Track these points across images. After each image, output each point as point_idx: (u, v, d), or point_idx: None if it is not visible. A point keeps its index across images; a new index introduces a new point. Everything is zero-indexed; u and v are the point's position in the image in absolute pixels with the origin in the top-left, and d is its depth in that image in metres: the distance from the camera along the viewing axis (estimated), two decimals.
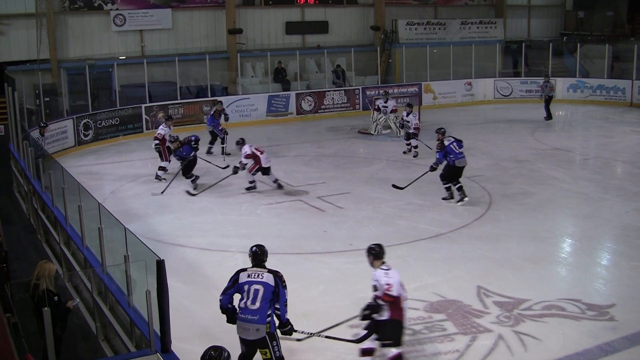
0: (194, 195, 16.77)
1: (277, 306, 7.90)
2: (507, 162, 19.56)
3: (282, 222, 14.88)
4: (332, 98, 28.91)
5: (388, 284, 8.31)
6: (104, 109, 24.46)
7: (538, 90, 28.35)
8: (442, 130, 16.11)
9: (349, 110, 29.01)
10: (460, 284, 11.23)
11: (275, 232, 14.08)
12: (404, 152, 21.17)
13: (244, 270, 8.04)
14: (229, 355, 6.30)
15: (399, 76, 31.41)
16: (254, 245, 8.38)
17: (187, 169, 17.35)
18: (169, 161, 18.42)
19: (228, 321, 8.02)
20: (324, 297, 10.85)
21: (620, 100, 29.49)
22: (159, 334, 7.70)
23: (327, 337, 8.91)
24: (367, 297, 10.75)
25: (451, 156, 15.33)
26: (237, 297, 7.93)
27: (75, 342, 9.63)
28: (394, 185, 16.82)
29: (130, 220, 13.56)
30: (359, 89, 29.49)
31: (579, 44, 32.20)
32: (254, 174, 16.91)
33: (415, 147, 20.65)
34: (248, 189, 17.05)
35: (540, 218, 14.67)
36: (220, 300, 7.97)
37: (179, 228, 14.44)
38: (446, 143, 15.45)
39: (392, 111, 24.18)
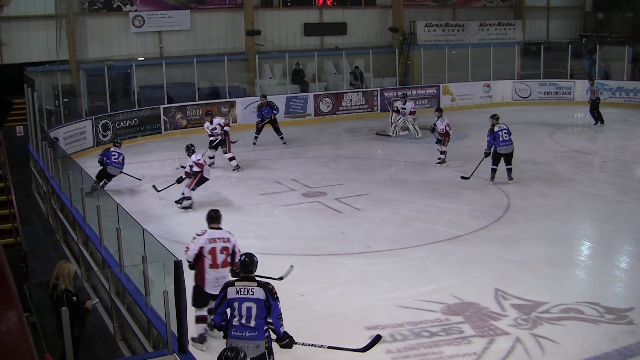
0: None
1: (270, 320, 7.38)
2: (525, 164, 19.45)
3: (299, 223, 14.90)
4: (350, 99, 28.89)
5: (187, 247, 9.29)
6: (123, 110, 24.58)
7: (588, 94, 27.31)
8: (496, 116, 17.51)
9: (367, 112, 28.99)
10: (477, 286, 11.19)
11: (293, 233, 14.10)
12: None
13: (232, 284, 7.44)
14: (245, 356, 6.31)
15: (417, 78, 31.34)
16: (243, 254, 7.76)
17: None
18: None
19: (225, 337, 7.53)
20: (341, 298, 10.83)
21: (639, 103, 29.29)
22: (176, 335, 7.73)
23: (329, 347, 8.46)
24: (385, 298, 10.78)
25: (489, 142, 17.13)
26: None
27: (93, 342, 9.68)
28: (462, 177, 17.79)
29: (148, 221, 13.60)
30: (377, 90, 29.46)
31: (598, 46, 32.01)
32: (193, 189, 15.87)
33: (442, 153, 20.11)
34: (183, 206, 15.92)
35: (558, 220, 14.60)
36: (212, 320, 7.63)
37: (196, 229, 14.36)
38: (496, 129, 17.09)
39: (411, 113, 24.11)
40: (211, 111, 22.02)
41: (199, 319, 9.23)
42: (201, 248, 9.17)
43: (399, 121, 24.20)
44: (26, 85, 19.62)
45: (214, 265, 9.17)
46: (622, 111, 28.52)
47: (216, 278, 9.12)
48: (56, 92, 23.28)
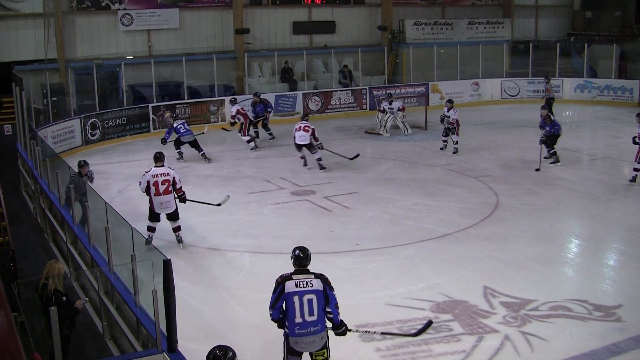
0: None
1: (329, 309, 7.60)
2: (514, 163, 19.53)
3: (289, 222, 14.89)
4: (339, 98, 28.91)
5: (139, 182, 12.98)
6: (111, 109, 24.52)
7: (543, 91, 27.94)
8: (546, 107, 20.00)
9: (356, 110, 29.01)
10: (467, 284, 11.22)
11: (282, 232, 14.09)
12: (441, 149, 21.31)
13: (289, 278, 7.53)
14: (234, 354, 6.30)
15: (406, 76, 31.36)
16: (297, 248, 7.83)
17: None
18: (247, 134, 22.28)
19: (280, 327, 7.66)
20: None
21: (628, 101, 29.40)
22: (166, 334, 7.71)
23: (383, 333, 8.93)
24: (374, 297, 10.80)
25: (556, 127, 18.95)
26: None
27: (82, 341, 9.65)
28: (536, 169, 18.52)
29: (137, 220, 13.48)
30: (366, 89, 29.48)
31: (586, 44, 32.10)
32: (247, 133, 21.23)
33: (456, 142, 20.85)
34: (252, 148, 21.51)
35: (547, 218, 14.64)
36: (270, 315, 7.57)
37: (186, 228, 14.44)
38: (552, 118, 19.46)
39: (400, 110, 24.15)
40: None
41: (150, 228, 12.95)
42: (148, 182, 12.71)
43: (388, 119, 24.21)
44: (14, 84, 19.53)
45: (157, 194, 12.76)
46: (610, 109, 28.64)
47: (160, 202, 12.83)
48: (45, 91, 23.20)
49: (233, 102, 23.04)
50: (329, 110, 28.58)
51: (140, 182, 12.91)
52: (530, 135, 23.57)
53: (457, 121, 20.60)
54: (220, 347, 6.38)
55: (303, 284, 7.49)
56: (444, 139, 21.27)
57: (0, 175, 18.34)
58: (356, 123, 26.60)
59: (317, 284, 7.52)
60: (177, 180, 12.88)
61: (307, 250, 7.81)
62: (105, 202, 10.64)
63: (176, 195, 12.98)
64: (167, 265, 7.43)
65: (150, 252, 8.38)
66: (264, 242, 13.53)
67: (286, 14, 31.27)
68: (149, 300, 7.95)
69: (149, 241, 12.65)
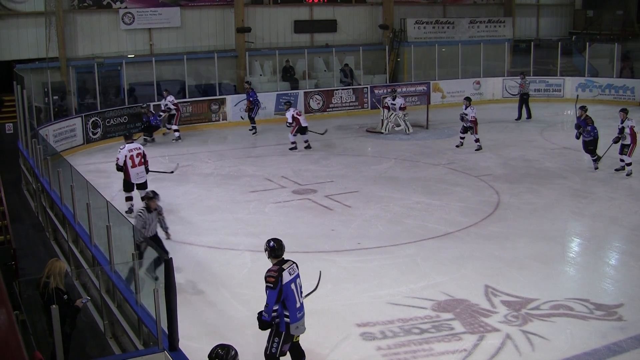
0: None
1: None
2: (515, 162, 19.52)
3: (290, 220, 14.89)
4: (341, 97, 28.90)
5: (117, 158, 15.33)
6: (113, 107, 24.52)
7: (517, 88, 27.78)
8: (586, 107, 18.84)
9: (357, 109, 29.00)
10: (468, 283, 11.22)
11: (283, 230, 14.08)
12: (457, 146, 21.45)
13: (282, 269, 7.86)
14: (236, 353, 6.31)
15: (408, 75, 31.37)
16: (272, 240, 8.23)
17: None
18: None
19: (266, 327, 7.93)
20: (332, 295, 10.82)
21: (629, 100, 29.34)
22: (167, 332, 7.71)
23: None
24: (375, 296, 10.81)
25: (595, 130, 18.16)
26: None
27: (83, 339, 9.65)
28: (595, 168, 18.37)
29: None
30: (367, 87, 29.47)
31: (588, 43, 32.08)
32: (295, 135, 21.41)
33: (477, 140, 20.97)
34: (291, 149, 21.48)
35: (548, 217, 14.64)
36: (273, 310, 7.76)
37: (187, 226, 14.46)
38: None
39: (401, 108, 24.16)
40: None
41: (127, 199, 15.30)
42: (125, 156, 15.02)
43: (391, 117, 24.21)
44: (15, 82, 19.51)
45: (133, 165, 15.11)
46: (611, 108, 28.51)
47: (137, 173, 15.18)
48: (46, 90, 23.19)
49: (288, 105, 22.62)
50: (330, 109, 28.57)
51: (117, 159, 15.20)
52: (531, 134, 23.59)
53: (475, 119, 20.62)
54: (222, 346, 6.39)
55: (292, 271, 7.95)
56: (462, 135, 21.38)
57: (1, 174, 18.30)
58: (357, 122, 26.59)
59: (296, 268, 8.07)
60: (145, 153, 15.53)
61: (281, 241, 8.23)
62: (107, 201, 10.64)
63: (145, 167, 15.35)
64: (168, 263, 7.43)
65: (152, 252, 8.38)
66: (265, 240, 13.49)
67: (287, 13, 31.25)
68: (150, 299, 7.96)
69: (130, 210, 14.81)
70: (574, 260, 12.67)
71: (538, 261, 12.15)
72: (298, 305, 7.88)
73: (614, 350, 9.03)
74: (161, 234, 11.86)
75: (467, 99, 21.68)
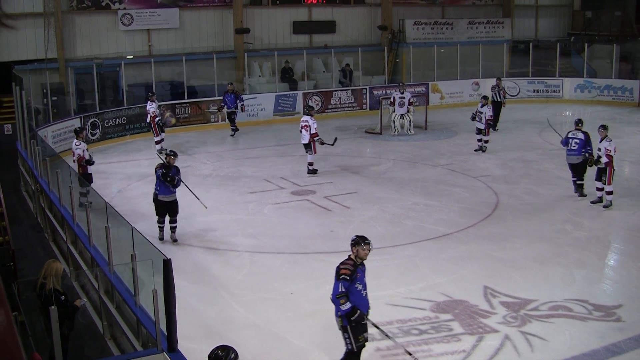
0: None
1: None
2: (514, 162, 19.53)
3: (288, 221, 14.89)
4: (339, 98, 28.90)
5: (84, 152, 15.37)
6: (111, 108, 24.51)
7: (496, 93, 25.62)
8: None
9: (356, 110, 28.98)
10: (466, 284, 11.23)
11: (282, 231, 14.09)
12: (475, 150, 20.94)
13: (360, 264, 8.29)
14: (236, 355, 6.30)
15: (406, 76, 31.30)
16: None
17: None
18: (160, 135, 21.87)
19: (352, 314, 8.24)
20: None
21: (627, 101, 29.39)
22: (166, 333, 7.71)
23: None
24: (374, 297, 10.79)
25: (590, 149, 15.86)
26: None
27: (82, 340, 9.65)
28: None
29: (137, 220, 13.57)
30: (366, 88, 29.46)
31: (586, 44, 32.09)
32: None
33: (486, 142, 20.73)
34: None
35: (547, 218, 14.65)
36: (349, 301, 8.22)
37: (185, 227, 14.45)
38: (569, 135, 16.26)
39: (410, 103, 23.99)
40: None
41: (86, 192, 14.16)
42: (83, 151, 15.21)
43: (396, 118, 23.98)
44: (14, 83, 19.54)
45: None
46: (610, 109, 28.63)
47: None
48: (44, 91, 23.20)
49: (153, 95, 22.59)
50: (329, 110, 28.56)
51: (84, 152, 15.42)
52: (530, 134, 23.60)
53: (491, 118, 20.40)
54: (222, 348, 6.38)
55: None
56: (479, 137, 20.84)
57: (0, 175, 18.34)
58: (356, 123, 26.57)
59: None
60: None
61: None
62: (106, 202, 10.65)
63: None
64: (167, 264, 7.44)
65: (151, 252, 8.38)
66: (264, 241, 13.53)
67: (286, 14, 31.28)
68: (149, 300, 7.96)
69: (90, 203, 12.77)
70: (573, 261, 12.65)
71: (537, 262, 12.16)
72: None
73: (613, 351, 9.03)
74: None
75: (485, 97, 21.33)
